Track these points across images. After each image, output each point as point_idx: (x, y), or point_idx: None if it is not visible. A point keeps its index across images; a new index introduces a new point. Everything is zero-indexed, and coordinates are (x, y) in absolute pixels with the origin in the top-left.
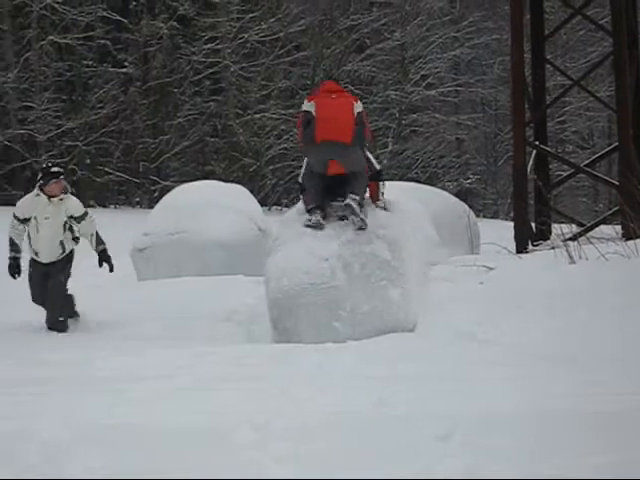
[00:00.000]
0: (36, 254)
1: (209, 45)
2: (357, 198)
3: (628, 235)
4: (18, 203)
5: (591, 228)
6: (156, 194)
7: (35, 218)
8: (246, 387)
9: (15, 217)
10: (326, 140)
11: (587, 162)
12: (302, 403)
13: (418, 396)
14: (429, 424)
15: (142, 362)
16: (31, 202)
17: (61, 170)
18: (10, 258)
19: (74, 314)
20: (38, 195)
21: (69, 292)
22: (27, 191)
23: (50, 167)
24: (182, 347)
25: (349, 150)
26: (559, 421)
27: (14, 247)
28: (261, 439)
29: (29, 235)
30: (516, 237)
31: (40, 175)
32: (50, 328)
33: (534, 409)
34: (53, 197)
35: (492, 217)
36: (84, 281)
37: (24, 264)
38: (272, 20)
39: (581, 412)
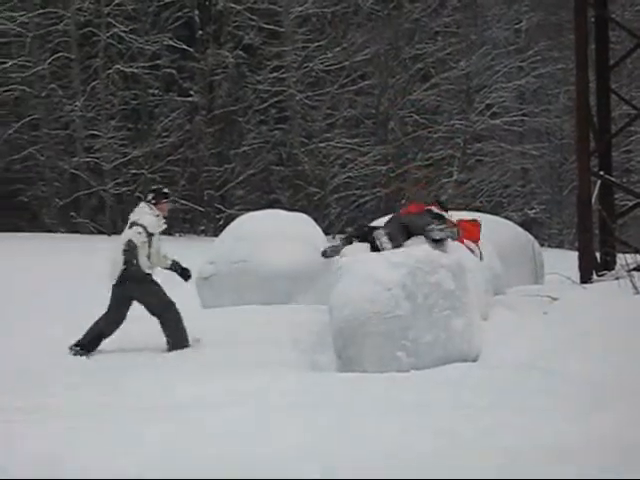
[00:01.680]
0: (151, 269)
1: (274, 74)
2: None
3: None
4: (145, 219)
5: None
6: (221, 222)
7: (154, 235)
8: (310, 416)
9: (145, 230)
10: None
11: None
12: (364, 434)
13: (483, 427)
14: (490, 455)
15: (211, 390)
16: (155, 219)
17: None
18: (173, 266)
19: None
20: (158, 216)
21: None
22: (92, 219)
23: (162, 188)
24: (250, 374)
25: None
26: (620, 451)
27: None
28: (327, 472)
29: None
30: (580, 267)
31: (152, 195)
32: (174, 347)
33: (601, 441)
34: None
35: (557, 247)
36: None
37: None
38: (337, 49)
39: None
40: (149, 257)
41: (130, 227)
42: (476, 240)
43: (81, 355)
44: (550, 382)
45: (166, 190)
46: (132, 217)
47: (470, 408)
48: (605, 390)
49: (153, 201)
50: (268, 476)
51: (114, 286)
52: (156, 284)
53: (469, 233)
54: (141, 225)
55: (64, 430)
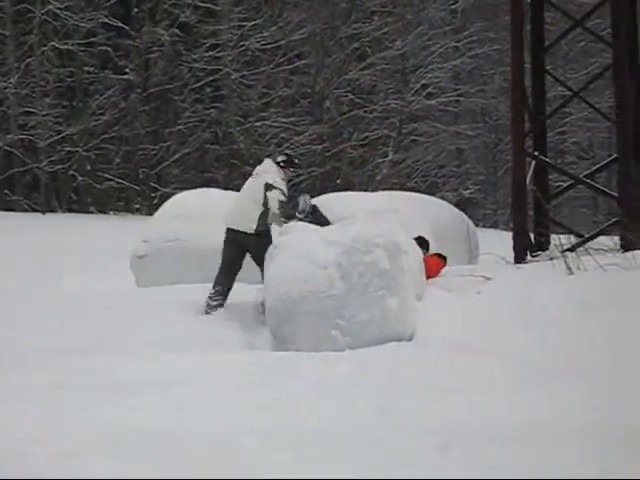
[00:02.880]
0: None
1: (210, 52)
2: None
3: (627, 246)
4: (279, 182)
5: (590, 239)
6: (156, 201)
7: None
8: (247, 395)
9: (284, 194)
10: None
11: (587, 173)
12: (303, 412)
13: (417, 406)
14: (428, 435)
15: (148, 369)
16: (283, 183)
17: None
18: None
19: None
20: (283, 179)
21: None
22: (27, 197)
23: (294, 157)
24: (184, 354)
25: None
26: (560, 433)
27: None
28: (264, 447)
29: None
30: (514, 247)
31: (283, 159)
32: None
33: (534, 421)
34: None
35: (491, 227)
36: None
37: None
38: (273, 28)
39: (581, 424)
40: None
41: (269, 189)
42: (430, 276)
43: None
44: (483, 361)
45: (297, 161)
46: (265, 176)
47: (404, 387)
48: (538, 370)
49: (282, 164)
50: (209, 450)
51: (232, 238)
52: (271, 240)
53: (429, 269)
54: (279, 189)
55: (14, 406)
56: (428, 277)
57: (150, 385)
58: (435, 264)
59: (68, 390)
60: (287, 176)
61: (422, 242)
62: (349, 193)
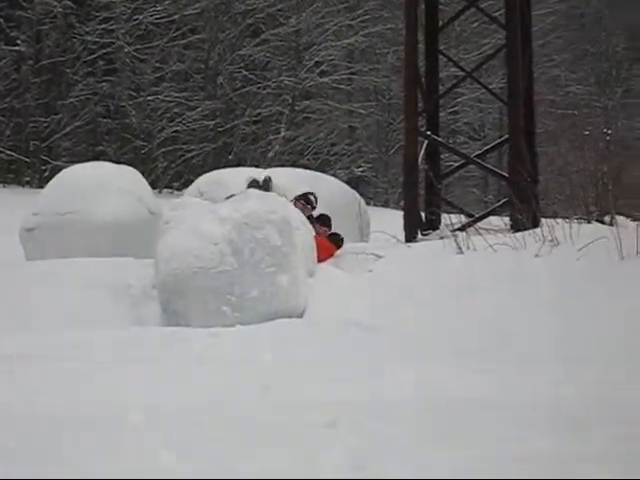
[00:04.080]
0: None
1: (103, 25)
2: None
3: (516, 227)
4: None
5: (480, 219)
6: (46, 174)
7: None
8: (134, 370)
9: None
10: None
11: (478, 153)
12: (189, 387)
13: (305, 382)
14: (315, 410)
15: (31, 343)
16: None
17: None
18: None
19: None
20: None
21: None
22: None
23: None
24: (70, 329)
25: None
26: (445, 408)
27: None
28: (149, 423)
29: None
30: (405, 226)
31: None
32: None
33: (422, 396)
34: None
35: (382, 206)
36: None
37: None
38: (167, 2)
39: (467, 399)
40: None
41: None
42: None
43: None
44: (372, 338)
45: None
46: None
47: (293, 363)
48: (424, 348)
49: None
50: (93, 424)
51: None
52: None
53: (320, 252)
54: None
55: None
56: (319, 260)
57: (29, 360)
58: (326, 249)
59: None
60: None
61: (325, 219)
62: (241, 169)
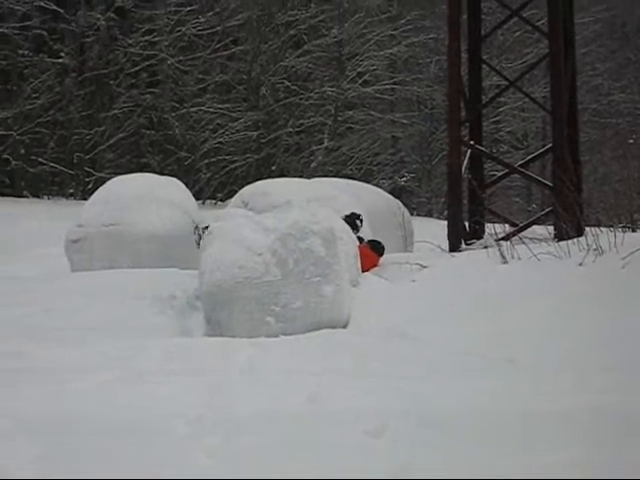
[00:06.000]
0: None
1: (146, 37)
2: None
3: (560, 236)
4: None
5: (524, 228)
6: (90, 186)
7: None
8: (179, 381)
9: None
10: None
11: (521, 162)
12: (235, 398)
13: (350, 392)
14: (360, 420)
15: (79, 354)
16: None
17: None
18: None
19: None
20: None
21: None
22: None
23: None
24: (117, 339)
25: None
26: (492, 420)
27: None
28: (194, 433)
29: None
30: (449, 236)
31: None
32: None
33: (467, 407)
34: None
35: (426, 215)
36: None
37: None
38: (210, 14)
39: (513, 411)
40: None
41: None
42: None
43: None
44: (416, 349)
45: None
46: None
47: (338, 373)
48: (471, 358)
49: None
50: (137, 436)
51: None
52: None
53: (363, 263)
54: None
55: None
56: (363, 270)
57: (77, 370)
58: (369, 259)
59: None
60: None
61: (353, 220)
62: (285, 179)
